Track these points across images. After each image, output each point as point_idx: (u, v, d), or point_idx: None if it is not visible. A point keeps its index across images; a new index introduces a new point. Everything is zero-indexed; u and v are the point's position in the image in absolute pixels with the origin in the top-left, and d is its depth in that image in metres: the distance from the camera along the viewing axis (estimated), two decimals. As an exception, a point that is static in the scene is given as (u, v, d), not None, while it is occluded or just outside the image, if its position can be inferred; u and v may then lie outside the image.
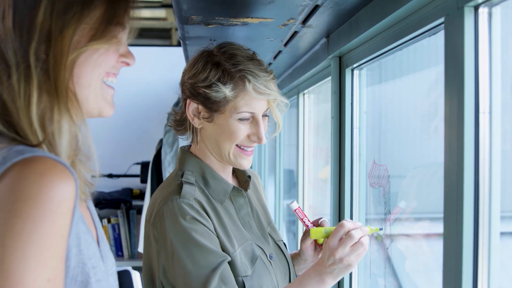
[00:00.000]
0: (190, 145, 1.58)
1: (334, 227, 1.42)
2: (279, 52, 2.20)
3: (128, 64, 0.96)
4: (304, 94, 2.73)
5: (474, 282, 1.02)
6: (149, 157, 4.60)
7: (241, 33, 1.81)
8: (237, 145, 1.47)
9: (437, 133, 1.52)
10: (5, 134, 0.86)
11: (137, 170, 4.89)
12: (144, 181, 4.64)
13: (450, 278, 1.06)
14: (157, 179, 4.30)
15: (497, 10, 1.01)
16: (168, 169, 4.26)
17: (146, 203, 4.27)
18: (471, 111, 1.01)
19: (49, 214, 0.77)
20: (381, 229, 1.52)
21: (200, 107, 1.46)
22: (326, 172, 2.71)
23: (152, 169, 4.31)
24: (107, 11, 0.89)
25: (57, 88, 0.85)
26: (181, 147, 1.59)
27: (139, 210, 4.69)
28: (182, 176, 1.48)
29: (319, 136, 2.67)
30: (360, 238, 1.37)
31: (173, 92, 5.22)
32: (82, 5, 0.87)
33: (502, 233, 1.03)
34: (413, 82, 1.73)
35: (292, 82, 2.68)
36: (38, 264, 0.76)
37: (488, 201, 1.01)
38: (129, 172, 4.94)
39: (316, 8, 1.49)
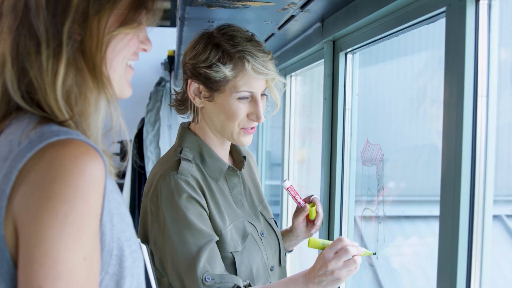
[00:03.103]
0: (189, 123, 1.64)
1: (332, 241, 1.46)
2: (272, 34, 2.26)
3: (145, 50, 1.01)
4: (291, 76, 2.81)
5: (468, 262, 1.12)
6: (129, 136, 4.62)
7: (240, 15, 1.87)
8: (240, 128, 1.53)
9: (425, 116, 1.61)
10: (30, 112, 0.89)
11: (116, 148, 4.91)
12: (124, 159, 4.67)
13: (446, 259, 1.15)
14: (138, 157, 4.34)
15: (496, 3, 1.10)
16: (149, 148, 4.31)
17: (127, 181, 4.31)
18: (470, 95, 1.10)
19: (82, 196, 0.81)
20: (374, 253, 1.57)
21: (201, 86, 1.52)
22: (302, 153, 2.80)
23: (133, 148, 4.35)
24: None
25: (94, 70, 0.89)
26: (181, 124, 1.65)
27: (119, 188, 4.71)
28: (180, 152, 1.54)
29: (305, 118, 2.75)
30: (354, 256, 1.42)
31: (154, 72, 5.24)
32: None
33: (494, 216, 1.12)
34: (405, 65, 1.81)
35: (279, 64, 2.74)
36: (74, 244, 0.80)
37: (483, 184, 1.11)
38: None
39: (317, -7, 1.55)
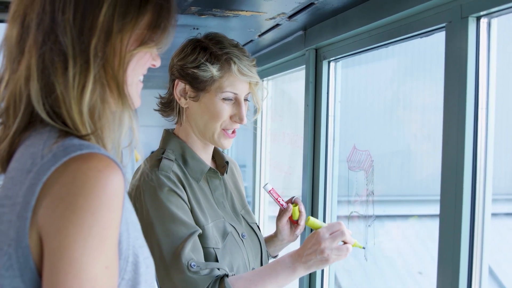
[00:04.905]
0: (174, 128, 1.68)
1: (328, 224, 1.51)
2: (250, 41, 2.30)
3: (154, 66, 1.05)
4: (263, 80, 2.85)
5: (470, 259, 1.19)
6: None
7: (225, 23, 1.90)
8: (222, 128, 1.58)
9: (399, 122, 1.68)
10: (52, 125, 0.91)
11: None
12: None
13: (447, 257, 1.22)
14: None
15: (495, 21, 1.18)
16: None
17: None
18: (471, 107, 1.18)
19: (106, 208, 0.84)
20: (364, 248, 1.61)
21: (187, 87, 1.58)
22: (276, 157, 2.83)
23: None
24: (154, 16, 0.97)
25: (118, 86, 0.93)
26: (165, 129, 1.69)
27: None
28: (163, 153, 1.59)
29: (278, 122, 2.80)
30: (347, 243, 1.47)
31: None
32: (138, 10, 0.95)
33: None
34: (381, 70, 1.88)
35: (252, 69, 2.77)
36: (98, 254, 0.83)
37: (483, 187, 1.19)
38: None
39: (310, 5, 1.60)
